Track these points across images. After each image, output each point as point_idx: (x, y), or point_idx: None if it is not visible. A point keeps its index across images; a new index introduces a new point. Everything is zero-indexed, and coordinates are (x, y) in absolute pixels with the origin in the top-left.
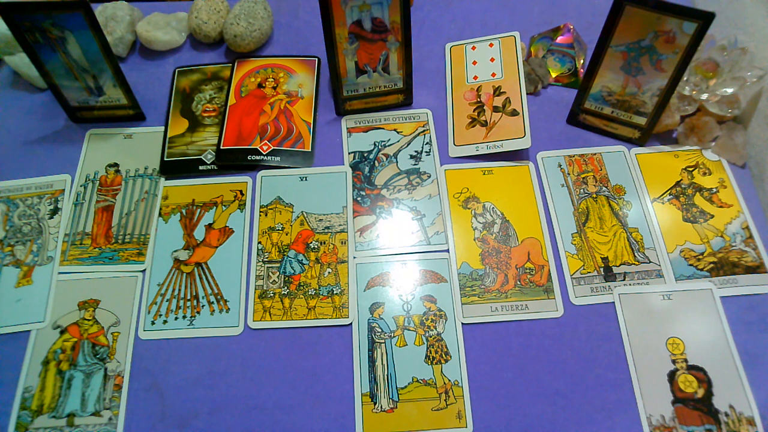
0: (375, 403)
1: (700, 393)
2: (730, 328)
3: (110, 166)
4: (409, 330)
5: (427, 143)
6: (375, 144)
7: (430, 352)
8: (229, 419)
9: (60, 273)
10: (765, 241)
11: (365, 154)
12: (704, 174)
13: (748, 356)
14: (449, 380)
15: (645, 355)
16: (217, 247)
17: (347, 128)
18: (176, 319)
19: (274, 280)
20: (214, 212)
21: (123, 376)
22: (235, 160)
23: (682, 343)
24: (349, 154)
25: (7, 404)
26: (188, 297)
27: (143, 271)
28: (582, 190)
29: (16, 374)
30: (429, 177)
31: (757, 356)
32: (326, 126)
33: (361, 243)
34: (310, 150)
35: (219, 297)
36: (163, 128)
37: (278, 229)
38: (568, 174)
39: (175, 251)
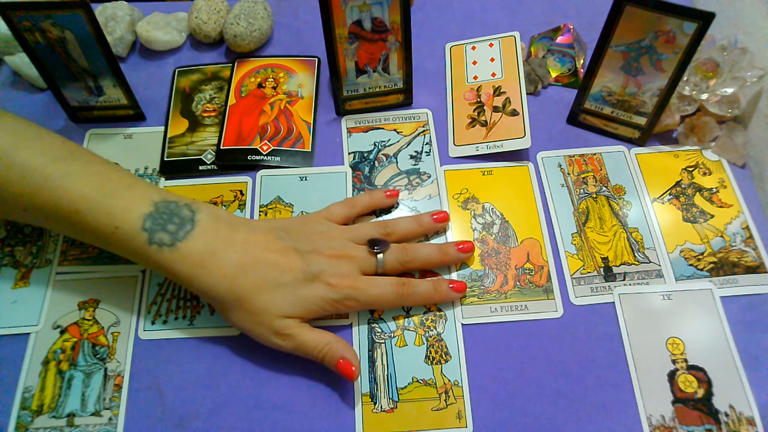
0: (375, 403)
1: (700, 393)
2: (730, 328)
3: None
4: (409, 330)
5: (427, 143)
6: (375, 144)
7: (430, 353)
8: (229, 419)
9: (59, 273)
10: (765, 241)
11: (365, 154)
12: (704, 174)
13: (748, 356)
14: (449, 380)
15: (645, 355)
16: None
17: (347, 128)
18: (176, 319)
19: None
20: None
21: (123, 376)
22: (235, 160)
23: (682, 343)
24: (349, 154)
25: (7, 404)
26: (188, 297)
27: (143, 271)
28: (582, 190)
29: (16, 374)
30: (429, 177)
31: (757, 356)
32: (326, 126)
33: None
34: (310, 150)
35: None
36: (163, 128)
37: None
38: (568, 174)
39: None
